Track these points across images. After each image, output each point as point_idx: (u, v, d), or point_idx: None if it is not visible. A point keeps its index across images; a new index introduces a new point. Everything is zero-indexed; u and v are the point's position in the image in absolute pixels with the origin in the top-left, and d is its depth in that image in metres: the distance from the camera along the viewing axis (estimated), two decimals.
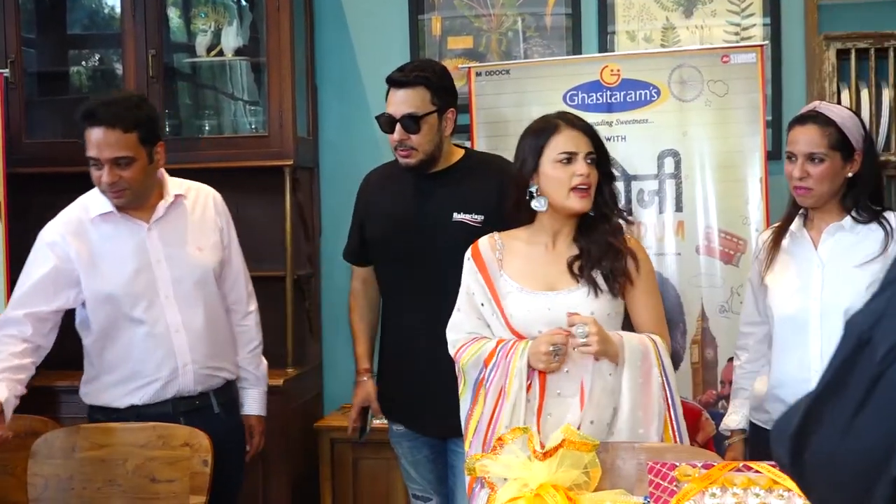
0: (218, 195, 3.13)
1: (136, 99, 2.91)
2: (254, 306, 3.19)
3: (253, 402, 3.16)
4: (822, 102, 2.90)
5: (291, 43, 4.01)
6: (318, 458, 4.02)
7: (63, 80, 4.62)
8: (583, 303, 2.44)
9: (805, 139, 2.72)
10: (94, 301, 2.87)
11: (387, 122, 3.00)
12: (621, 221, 2.58)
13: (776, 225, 2.92)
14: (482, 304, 2.56)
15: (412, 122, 2.95)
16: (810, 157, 2.71)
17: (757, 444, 2.88)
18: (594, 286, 2.45)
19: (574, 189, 2.45)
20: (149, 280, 2.87)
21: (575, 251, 2.51)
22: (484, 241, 2.61)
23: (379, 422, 3.41)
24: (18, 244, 3.96)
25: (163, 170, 2.97)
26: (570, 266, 2.49)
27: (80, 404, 3.89)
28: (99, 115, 2.73)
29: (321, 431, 4.04)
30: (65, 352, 4.28)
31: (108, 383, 2.90)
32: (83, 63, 4.73)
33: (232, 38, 4.21)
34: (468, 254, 2.62)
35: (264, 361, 3.23)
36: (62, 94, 4.59)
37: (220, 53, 4.24)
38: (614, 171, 3.53)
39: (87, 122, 2.75)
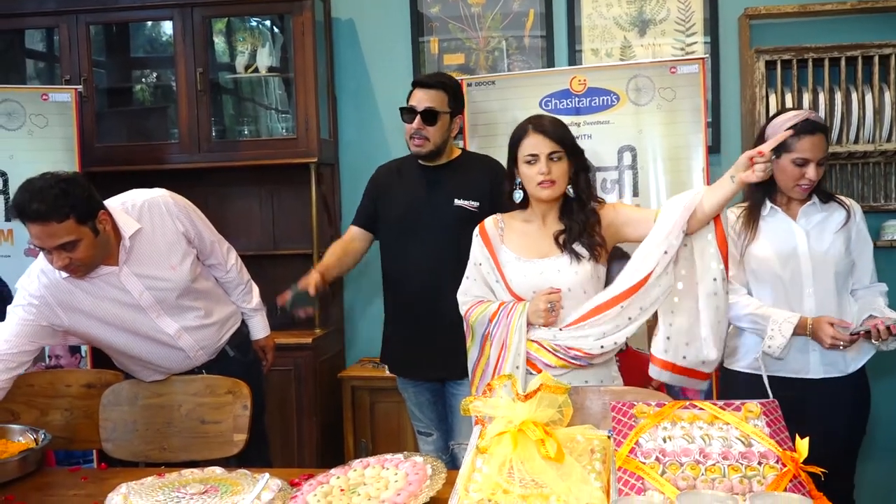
0: (169, 199, 2.70)
1: (61, 185, 2.36)
2: (233, 256, 2.92)
3: (258, 328, 3.02)
4: (812, 111, 2.84)
5: (315, 61, 3.97)
6: (342, 403, 3.99)
7: (127, 94, 4.59)
8: (566, 268, 2.46)
9: (819, 147, 2.69)
10: (94, 336, 2.64)
11: (409, 113, 3.03)
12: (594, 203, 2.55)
13: (743, 206, 2.85)
14: (488, 273, 2.56)
15: (431, 116, 2.99)
16: (819, 162, 2.69)
17: (732, 385, 2.84)
18: (575, 255, 2.46)
19: (540, 183, 2.46)
20: (136, 310, 2.59)
21: (560, 227, 2.51)
22: (489, 221, 2.61)
23: (381, 367, 3.38)
24: None
25: (114, 208, 2.57)
26: (556, 239, 2.50)
27: None
28: (29, 213, 2.31)
29: (344, 381, 4.02)
30: None
31: (131, 371, 2.79)
32: (144, 80, 4.68)
33: (265, 58, 4.18)
34: (476, 231, 2.60)
35: (255, 290, 3.02)
36: (127, 105, 4.56)
37: (256, 70, 4.21)
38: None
39: (21, 219, 2.33)
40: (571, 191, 2.50)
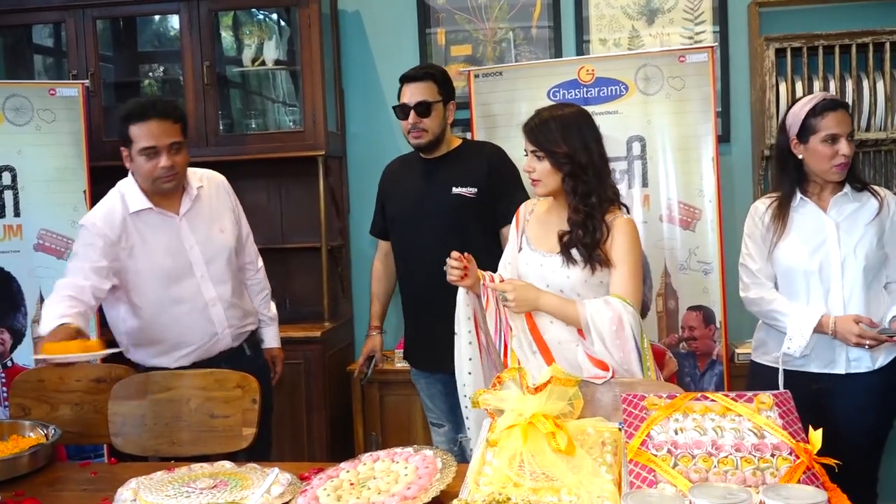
0: (223, 178, 2.98)
1: (172, 100, 2.79)
2: (261, 262, 3.11)
3: (272, 338, 3.12)
4: (827, 92, 2.79)
5: (321, 54, 3.95)
6: (351, 396, 3.98)
7: (135, 88, 4.56)
8: (558, 268, 2.44)
9: (845, 121, 2.64)
10: (139, 285, 2.75)
11: (402, 110, 3.05)
12: (617, 204, 2.48)
13: (774, 196, 2.78)
14: (508, 252, 2.59)
15: (424, 108, 3.00)
16: (848, 137, 2.63)
17: (759, 379, 2.78)
18: (568, 257, 2.42)
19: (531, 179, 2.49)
20: (185, 263, 2.77)
21: (566, 228, 2.46)
22: (528, 203, 2.61)
23: (401, 364, 3.40)
24: None
25: None
26: (560, 238, 2.46)
27: None
28: (152, 111, 2.65)
29: (353, 374, 4.00)
30: None
31: (156, 353, 2.82)
32: (151, 74, 4.68)
33: (272, 51, 4.17)
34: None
35: (273, 303, 3.17)
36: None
37: (263, 64, 4.20)
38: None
39: (139, 118, 2.64)
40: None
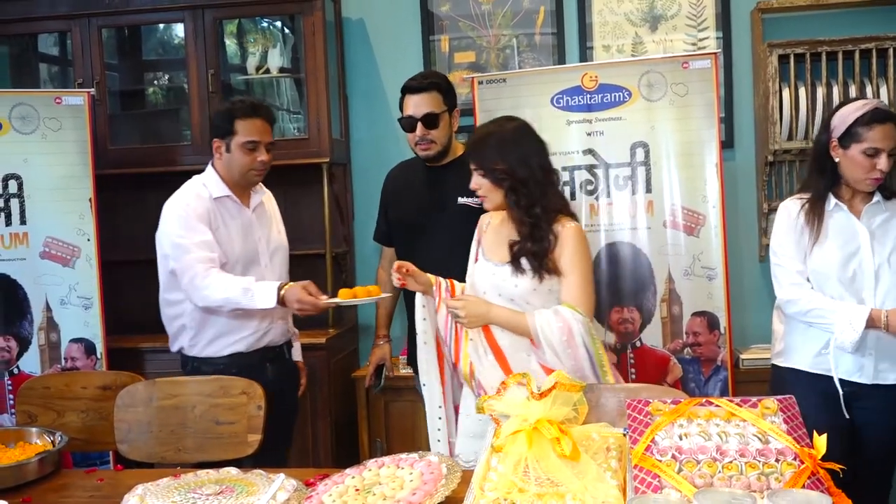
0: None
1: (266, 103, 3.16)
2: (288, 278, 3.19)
3: (297, 353, 3.23)
4: (879, 101, 2.71)
5: (325, 61, 3.96)
6: (356, 402, 3.99)
7: (140, 96, 4.59)
8: (508, 277, 2.47)
9: (891, 136, 2.57)
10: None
11: (409, 123, 3.01)
12: (565, 213, 2.50)
13: (804, 197, 2.71)
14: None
15: (431, 120, 2.97)
16: (890, 153, 2.58)
17: (785, 384, 2.68)
18: (517, 266, 2.45)
19: None
20: (254, 251, 2.95)
21: (515, 237, 2.50)
22: (485, 215, 2.64)
23: (406, 371, 3.40)
24: (106, 233, 3.95)
25: None
26: (510, 248, 2.49)
27: (161, 361, 3.93)
28: (259, 111, 2.90)
29: (358, 380, 4.00)
30: (149, 319, 4.30)
31: (215, 336, 2.92)
32: (156, 82, 4.70)
33: (276, 59, 4.18)
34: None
35: None
36: (139, 108, 4.57)
37: (267, 71, 4.21)
38: (595, 158, 3.53)
39: (248, 115, 2.86)
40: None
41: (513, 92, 3.65)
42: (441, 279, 2.64)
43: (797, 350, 2.73)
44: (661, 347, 3.50)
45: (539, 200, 2.45)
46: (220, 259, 2.82)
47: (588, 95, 3.57)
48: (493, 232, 2.59)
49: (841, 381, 2.63)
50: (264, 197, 3.09)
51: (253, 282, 2.74)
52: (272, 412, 2.92)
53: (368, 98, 4.35)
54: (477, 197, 2.90)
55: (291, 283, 2.71)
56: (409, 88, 3.02)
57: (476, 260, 2.62)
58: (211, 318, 2.90)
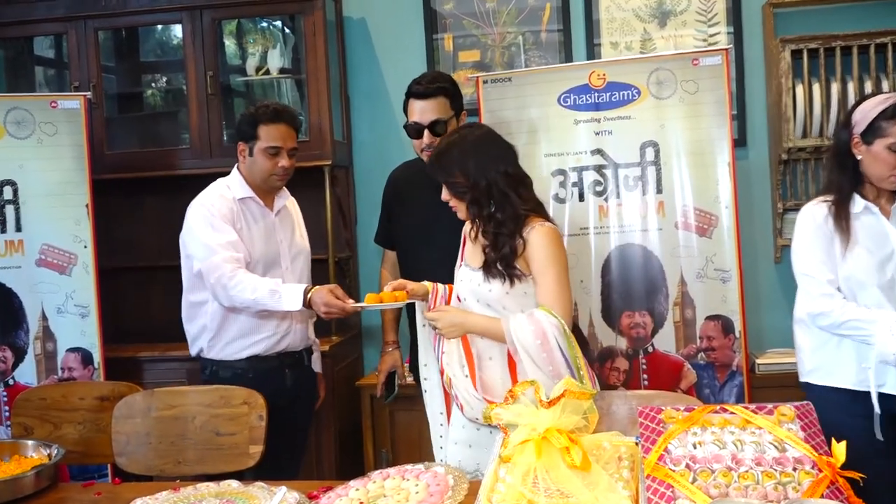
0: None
1: (295, 110, 3.26)
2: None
3: (317, 363, 3.27)
4: None
5: (327, 62, 3.96)
6: (360, 411, 3.98)
7: (137, 99, 4.60)
8: (481, 282, 2.48)
9: None
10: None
11: (415, 130, 2.97)
12: (536, 215, 2.49)
13: (828, 199, 2.59)
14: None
15: (440, 127, 2.93)
16: None
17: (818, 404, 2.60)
18: (488, 271, 2.46)
19: None
20: (275, 253, 3.01)
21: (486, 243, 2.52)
22: (468, 223, 2.62)
23: (410, 379, 3.38)
24: (103, 240, 3.95)
25: None
26: (483, 251, 2.51)
27: (160, 371, 3.93)
28: (283, 116, 2.97)
29: (362, 389, 4.00)
30: (148, 327, 4.31)
31: (234, 337, 2.96)
32: (154, 85, 4.70)
33: (277, 60, 4.18)
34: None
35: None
36: (137, 111, 4.58)
37: (267, 72, 4.21)
38: (603, 158, 3.53)
39: (271, 120, 2.94)
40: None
41: (518, 91, 3.64)
42: (439, 285, 2.65)
43: (835, 366, 2.57)
44: (674, 353, 3.48)
45: (502, 208, 2.46)
46: (245, 259, 2.87)
47: (596, 94, 3.55)
48: (474, 236, 2.60)
49: (884, 397, 2.48)
50: (288, 202, 3.15)
51: (280, 283, 2.79)
52: (287, 420, 2.94)
53: (371, 99, 4.35)
54: None
55: (318, 286, 2.75)
56: (415, 93, 2.97)
57: (459, 265, 2.64)
58: (230, 319, 2.95)
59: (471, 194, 2.47)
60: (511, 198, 2.46)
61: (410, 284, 2.59)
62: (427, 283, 2.63)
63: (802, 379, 2.66)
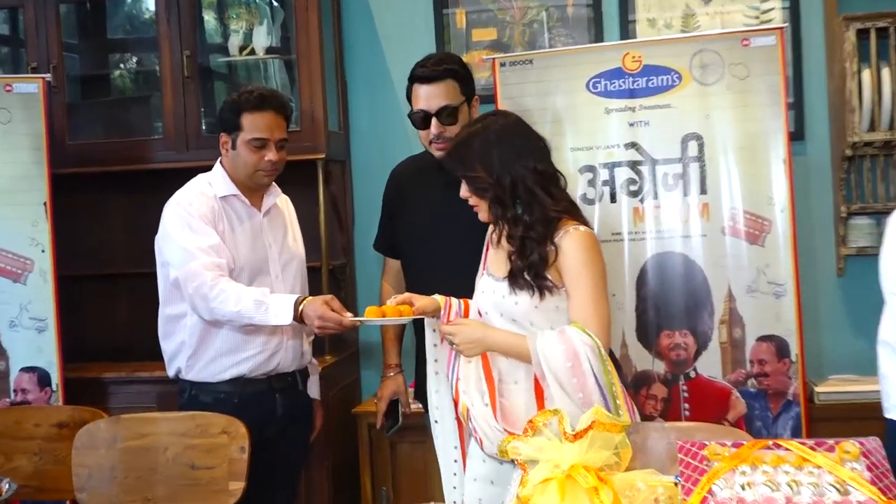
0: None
1: (283, 94, 3.28)
2: None
3: (314, 388, 3.27)
4: None
5: (320, 40, 3.97)
6: (358, 443, 3.98)
7: (104, 82, 4.63)
8: (507, 294, 2.48)
9: None
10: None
11: (421, 119, 2.97)
12: (570, 217, 2.50)
13: None
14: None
15: (449, 114, 2.93)
16: None
17: None
18: (515, 281, 2.46)
19: None
20: (263, 259, 3.02)
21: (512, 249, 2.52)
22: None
23: (415, 406, 3.38)
24: (63, 242, 3.96)
25: None
26: (508, 259, 2.51)
27: (128, 394, 3.95)
28: (270, 103, 2.95)
29: (360, 417, 4.01)
30: (114, 344, 4.33)
31: (216, 354, 2.95)
32: (122, 66, 4.73)
33: (263, 38, 4.20)
34: None
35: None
36: (104, 96, 4.61)
37: (253, 52, 4.23)
38: (639, 154, 3.54)
39: (255, 108, 2.93)
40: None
41: (541, 75, 3.64)
42: (453, 300, 2.64)
43: None
44: (720, 378, 3.48)
45: (530, 209, 2.46)
46: (228, 265, 2.88)
47: (631, 79, 3.55)
48: (502, 243, 2.59)
49: None
50: (279, 200, 3.15)
51: (268, 293, 2.77)
52: (276, 453, 2.94)
53: (371, 83, 4.36)
54: None
55: (311, 297, 2.74)
56: (420, 77, 2.97)
57: (480, 274, 2.64)
58: (212, 334, 2.95)
59: (493, 192, 2.47)
60: (539, 197, 2.46)
61: (418, 299, 2.58)
62: (438, 298, 2.63)
63: (889, 415, 2.57)
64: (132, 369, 4.01)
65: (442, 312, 2.61)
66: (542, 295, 2.43)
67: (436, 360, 2.67)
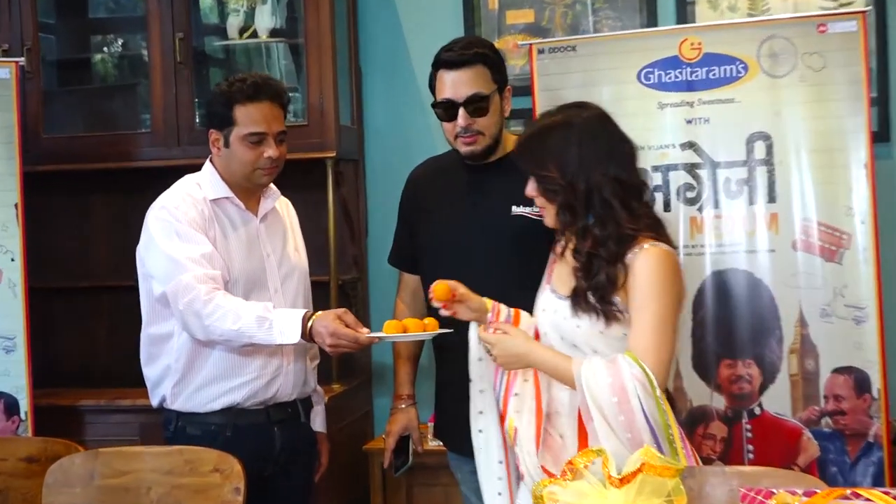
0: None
1: (278, 81, 3.35)
2: None
3: (320, 419, 3.25)
4: None
5: (332, 21, 4.00)
6: (369, 484, 3.98)
7: (85, 68, 4.66)
8: (568, 316, 2.49)
9: None
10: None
11: (447, 110, 2.96)
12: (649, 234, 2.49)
13: None
14: None
15: (479, 104, 2.94)
16: None
17: None
18: (578, 302, 2.46)
19: None
20: (260, 270, 3.01)
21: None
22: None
23: (435, 443, 3.38)
24: (37, 248, 3.99)
25: None
26: (574, 275, 2.51)
27: (107, 424, 3.96)
28: (265, 91, 2.94)
29: (372, 454, 4.01)
30: (92, 367, 4.35)
31: (205, 380, 2.94)
32: (105, 49, 4.76)
33: (266, 18, 4.22)
34: None
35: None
36: (84, 83, 4.65)
37: (254, 35, 4.25)
38: (697, 155, 3.54)
39: (249, 98, 2.91)
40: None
41: (585, 64, 3.65)
42: (502, 306, 2.65)
43: None
44: (790, 416, 3.47)
45: (604, 222, 2.44)
46: (223, 276, 2.88)
47: (688, 69, 3.56)
48: (568, 257, 2.58)
49: None
50: (278, 203, 3.15)
51: (271, 308, 2.78)
52: (275, 495, 2.95)
53: (389, 72, 4.38)
54: (535, 206, 2.90)
55: (321, 312, 2.74)
56: (446, 62, 2.97)
57: (543, 288, 2.63)
58: (201, 356, 2.93)
59: (564, 196, 2.45)
60: (616, 211, 2.44)
61: (464, 290, 2.60)
62: (487, 300, 2.64)
63: None
64: (112, 396, 4.03)
65: (489, 316, 2.62)
66: (607, 320, 2.43)
67: (481, 377, 2.68)
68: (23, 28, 4.17)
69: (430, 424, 3.74)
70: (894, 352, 3.70)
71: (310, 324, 2.71)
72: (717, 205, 3.54)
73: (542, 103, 3.66)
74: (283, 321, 2.73)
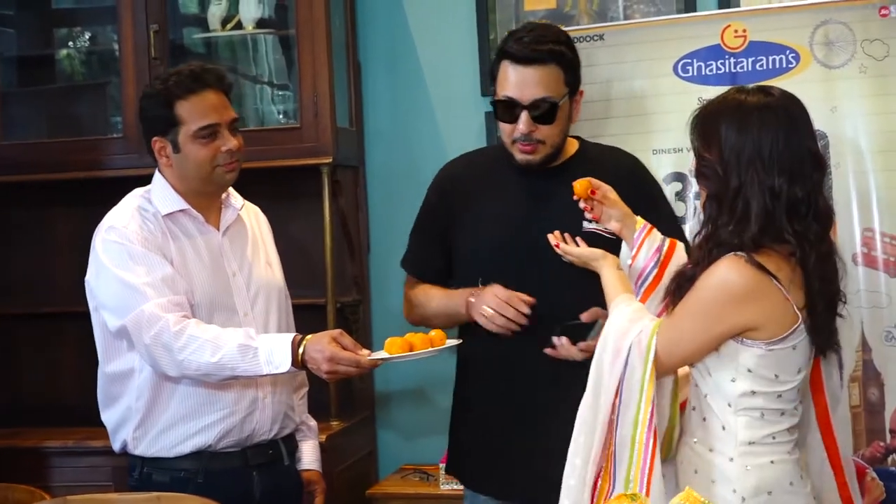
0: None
1: (217, 65, 3.35)
2: None
3: (311, 456, 3.22)
4: None
5: (327, 10, 4.00)
6: None
7: (48, 65, 4.67)
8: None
9: None
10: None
11: (510, 109, 2.92)
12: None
13: None
14: None
15: (547, 110, 2.89)
16: None
17: None
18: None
19: None
20: (226, 293, 2.98)
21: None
22: None
23: (449, 487, 3.38)
24: None
25: None
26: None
27: (75, 468, 3.96)
28: (205, 79, 2.93)
29: (376, 500, 4.00)
30: (57, 403, 4.34)
31: (172, 420, 2.90)
32: (71, 44, 4.77)
33: (252, 7, 4.21)
34: None
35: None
36: (47, 82, 4.65)
37: (238, 26, 4.25)
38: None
39: (190, 90, 2.90)
40: None
41: (615, 55, 3.67)
42: (655, 230, 2.81)
43: None
44: (854, 454, 3.44)
45: (735, 225, 2.41)
46: (189, 300, 2.85)
47: (732, 59, 3.58)
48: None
49: None
50: (242, 211, 3.11)
51: (253, 335, 2.76)
52: None
53: (392, 67, 4.39)
54: None
55: (314, 335, 2.73)
56: (515, 56, 2.91)
57: None
58: (164, 392, 2.89)
59: (716, 186, 2.46)
60: (750, 225, 2.40)
61: (607, 188, 2.78)
62: (639, 218, 2.79)
63: None
64: (81, 436, 4.02)
65: (636, 235, 2.79)
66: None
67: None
68: None
69: (441, 466, 3.74)
70: None
71: (301, 349, 2.70)
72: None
73: None
74: (270, 348, 2.72)
